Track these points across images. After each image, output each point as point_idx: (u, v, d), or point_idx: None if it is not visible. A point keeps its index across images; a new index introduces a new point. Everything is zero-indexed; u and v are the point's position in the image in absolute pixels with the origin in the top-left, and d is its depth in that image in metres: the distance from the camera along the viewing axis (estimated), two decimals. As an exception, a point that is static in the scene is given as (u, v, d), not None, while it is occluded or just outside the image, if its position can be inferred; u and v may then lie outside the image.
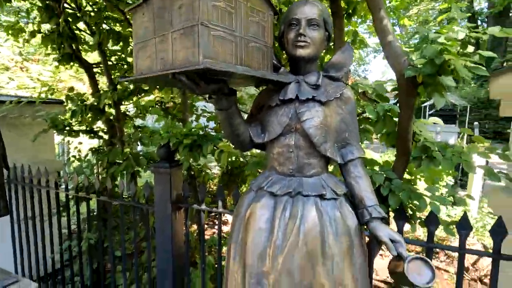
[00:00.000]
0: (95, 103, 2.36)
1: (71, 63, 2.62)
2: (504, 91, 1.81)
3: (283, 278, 1.06)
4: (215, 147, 1.79)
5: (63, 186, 2.36)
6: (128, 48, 2.71)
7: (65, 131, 2.59)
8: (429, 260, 0.96)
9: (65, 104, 3.24)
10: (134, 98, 2.53)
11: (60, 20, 2.32)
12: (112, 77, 2.50)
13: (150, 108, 2.52)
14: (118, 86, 2.43)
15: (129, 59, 2.95)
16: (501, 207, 1.65)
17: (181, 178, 1.98)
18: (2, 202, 2.02)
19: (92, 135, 2.72)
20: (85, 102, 2.39)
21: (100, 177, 2.32)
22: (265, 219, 1.12)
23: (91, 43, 2.72)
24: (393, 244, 1.04)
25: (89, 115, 2.55)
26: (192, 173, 2.62)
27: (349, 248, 1.09)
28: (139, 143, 2.39)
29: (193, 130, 1.76)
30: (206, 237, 3.54)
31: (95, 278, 2.41)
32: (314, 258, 1.06)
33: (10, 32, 2.88)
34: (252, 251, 1.10)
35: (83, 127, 2.76)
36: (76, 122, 2.72)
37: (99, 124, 2.93)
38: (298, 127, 1.13)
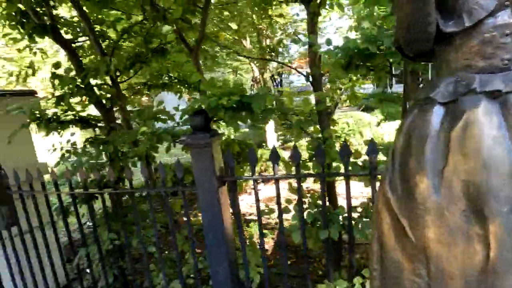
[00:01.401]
0: (80, 82, 1.90)
1: (45, 36, 2.10)
2: None
3: None
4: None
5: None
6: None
7: (52, 123, 2.14)
8: None
9: (37, 95, 2.74)
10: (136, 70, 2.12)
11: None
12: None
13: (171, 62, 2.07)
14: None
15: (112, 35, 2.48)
16: None
17: (220, 150, 1.72)
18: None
19: (84, 124, 2.27)
20: (77, 82, 1.94)
21: (106, 168, 1.96)
22: (496, 126, 0.80)
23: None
24: None
25: (79, 99, 2.12)
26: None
27: None
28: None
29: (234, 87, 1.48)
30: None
31: (122, 279, 2.10)
32: None
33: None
34: (491, 168, 0.78)
35: (70, 117, 2.30)
36: (62, 112, 2.27)
37: (87, 112, 2.49)
38: None
